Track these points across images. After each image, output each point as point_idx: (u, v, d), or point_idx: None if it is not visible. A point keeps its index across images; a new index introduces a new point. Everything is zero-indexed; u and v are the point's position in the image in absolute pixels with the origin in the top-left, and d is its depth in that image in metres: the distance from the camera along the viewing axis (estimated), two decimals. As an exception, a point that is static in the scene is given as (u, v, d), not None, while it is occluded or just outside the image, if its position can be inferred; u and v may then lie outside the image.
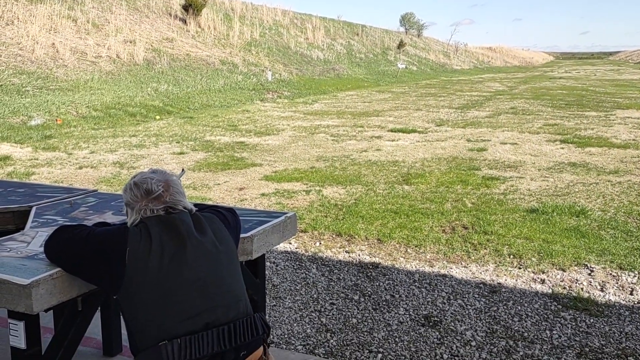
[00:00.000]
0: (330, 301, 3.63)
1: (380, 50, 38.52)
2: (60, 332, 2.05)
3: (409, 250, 4.52)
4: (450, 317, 3.40)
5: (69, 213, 2.58)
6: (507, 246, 4.53)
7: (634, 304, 3.59)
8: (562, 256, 4.30)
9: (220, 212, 2.00)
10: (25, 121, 10.86)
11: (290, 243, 4.64)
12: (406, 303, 3.59)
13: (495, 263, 4.22)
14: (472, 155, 8.57)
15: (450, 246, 4.57)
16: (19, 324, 1.84)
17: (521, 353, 2.99)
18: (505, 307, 3.53)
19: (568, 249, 4.44)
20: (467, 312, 3.46)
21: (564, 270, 4.07)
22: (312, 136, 10.56)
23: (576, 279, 3.94)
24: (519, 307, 3.52)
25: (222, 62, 20.84)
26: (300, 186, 6.57)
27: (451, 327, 3.27)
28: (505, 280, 3.94)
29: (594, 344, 3.09)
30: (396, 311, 3.47)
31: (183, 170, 2.50)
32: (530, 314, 3.44)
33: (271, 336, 3.14)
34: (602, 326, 3.28)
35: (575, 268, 4.12)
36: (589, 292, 3.74)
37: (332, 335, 3.19)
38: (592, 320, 3.35)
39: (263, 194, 6.20)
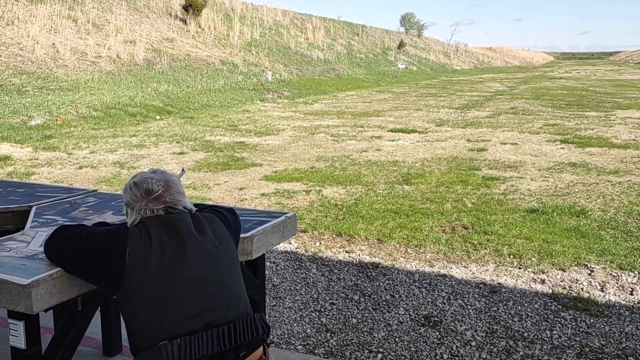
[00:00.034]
0: (330, 301, 3.63)
1: (380, 50, 38.52)
2: (60, 332, 2.05)
3: (409, 250, 4.52)
4: (451, 317, 3.39)
5: (68, 213, 2.58)
6: (507, 246, 4.53)
7: (634, 304, 3.59)
8: (562, 256, 4.30)
9: (220, 212, 2.00)
10: (25, 121, 10.86)
11: (290, 243, 4.64)
12: (406, 303, 3.59)
13: (496, 263, 4.22)
14: (472, 155, 8.57)
15: (450, 246, 4.57)
16: (19, 324, 1.84)
17: (521, 353, 2.99)
18: (505, 307, 3.53)
19: (568, 249, 4.44)
20: (467, 312, 3.46)
21: (564, 271, 4.07)
22: (312, 136, 10.56)
23: (576, 279, 3.94)
24: (519, 307, 3.52)
25: (223, 62, 20.84)
26: (300, 186, 6.57)
27: (451, 327, 3.27)
28: (506, 280, 3.94)
29: (594, 344, 3.09)
30: (396, 311, 3.47)
31: (183, 170, 2.50)
32: (530, 314, 3.44)
33: (271, 336, 3.14)
34: (602, 326, 3.28)
35: (576, 268, 4.12)
36: (589, 292, 3.74)
37: (332, 335, 3.19)
38: (592, 321, 3.35)
39: (263, 194, 6.20)
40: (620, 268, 4.11)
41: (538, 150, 8.92)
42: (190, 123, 12.18)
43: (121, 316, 1.79)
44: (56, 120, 11.22)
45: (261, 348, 1.85)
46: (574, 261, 4.22)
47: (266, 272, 3.76)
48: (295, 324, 3.32)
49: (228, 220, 1.98)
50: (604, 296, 3.69)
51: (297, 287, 3.85)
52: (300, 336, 3.18)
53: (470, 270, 4.10)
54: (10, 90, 12.32)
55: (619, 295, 3.70)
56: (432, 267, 4.18)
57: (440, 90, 23.45)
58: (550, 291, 3.76)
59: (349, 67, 29.46)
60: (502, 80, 32.88)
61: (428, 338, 3.15)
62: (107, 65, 16.22)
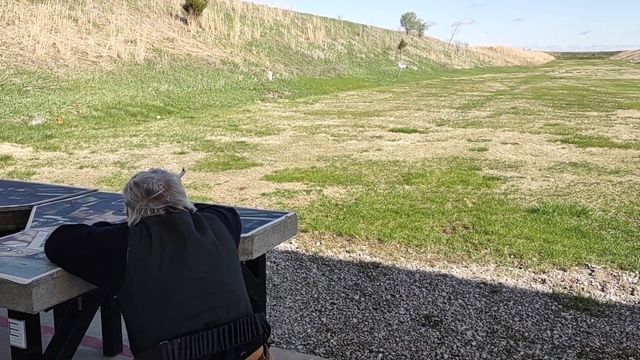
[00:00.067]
0: (331, 301, 3.63)
1: (381, 50, 38.51)
2: (60, 331, 2.05)
3: (409, 250, 4.52)
4: (451, 317, 3.39)
5: (69, 213, 2.58)
6: (507, 246, 4.53)
7: (635, 304, 3.58)
8: (562, 256, 4.30)
9: (221, 212, 2.00)
10: (26, 121, 10.86)
11: (290, 243, 4.64)
12: (407, 303, 3.59)
13: (496, 263, 4.22)
14: (473, 155, 8.57)
15: (450, 246, 4.56)
16: (19, 324, 1.84)
17: (522, 353, 2.99)
18: (505, 307, 3.53)
19: (569, 249, 4.44)
20: (467, 312, 3.46)
21: (564, 270, 4.07)
22: (312, 136, 10.56)
23: (577, 279, 3.93)
24: (520, 307, 3.52)
25: (223, 62, 20.84)
26: (300, 186, 6.57)
27: (452, 327, 3.27)
28: (506, 280, 3.94)
29: (595, 343, 3.09)
30: (397, 311, 3.47)
31: (183, 170, 2.50)
32: (531, 313, 3.44)
33: (272, 336, 3.14)
34: (602, 326, 3.28)
35: (576, 268, 4.12)
36: (589, 292, 3.74)
37: (333, 334, 3.19)
38: (592, 320, 3.34)
39: (264, 194, 6.20)
40: (621, 268, 4.10)
41: (539, 150, 8.92)
42: (191, 123, 12.18)
43: (121, 316, 1.79)
44: (57, 120, 11.23)
45: (261, 348, 1.85)
46: (574, 261, 4.22)
47: (267, 271, 3.76)
48: (295, 324, 3.32)
49: (228, 220, 1.98)
50: (604, 296, 3.69)
51: (298, 287, 3.85)
52: (301, 336, 3.18)
53: (470, 270, 4.10)
54: (11, 90, 12.33)
55: (619, 295, 3.70)
56: (432, 266, 4.18)
57: (440, 90, 23.44)
58: (550, 291, 3.76)
59: (350, 67, 29.46)
60: (503, 80, 32.87)
61: (428, 338, 3.15)
62: (108, 65, 16.22)
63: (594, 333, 3.20)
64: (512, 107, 15.94)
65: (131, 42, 18.24)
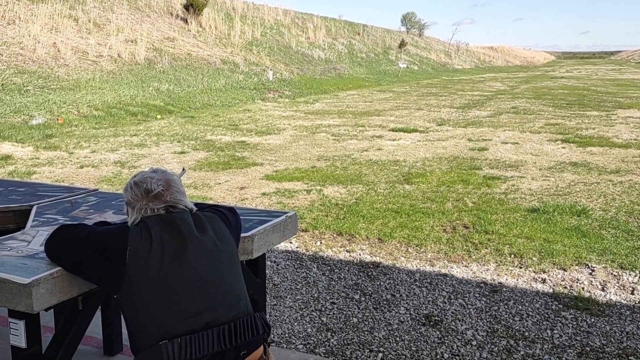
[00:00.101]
0: (331, 300, 3.63)
1: (381, 49, 38.51)
2: (60, 331, 2.04)
3: (409, 249, 4.52)
4: (451, 316, 3.39)
5: (69, 212, 2.58)
6: (508, 246, 4.53)
7: (635, 303, 3.58)
8: (563, 256, 4.30)
9: (221, 212, 2.00)
10: (26, 120, 10.87)
11: (291, 242, 4.64)
12: (407, 302, 3.59)
13: (496, 262, 4.22)
14: (473, 154, 8.56)
15: (451, 245, 4.56)
16: (20, 323, 1.84)
17: (522, 352, 2.99)
18: (506, 306, 3.53)
19: (569, 249, 4.44)
20: (467, 311, 3.46)
21: (565, 270, 4.07)
22: (313, 135, 10.56)
23: (577, 279, 3.93)
24: (520, 307, 3.52)
25: (224, 62, 20.84)
26: (301, 185, 6.57)
27: (452, 326, 3.27)
28: (506, 279, 3.94)
29: (595, 343, 3.09)
30: (397, 310, 3.47)
31: (184, 169, 2.50)
32: (531, 313, 3.44)
33: (272, 335, 3.14)
34: (603, 326, 3.28)
35: (576, 267, 4.11)
36: (590, 292, 3.73)
37: (333, 334, 3.19)
38: (593, 320, 3.34)
39: (264, 194, 6.20)
40: (621, 267, 4.10)
41: (539, 150, 8.91)
42: (191, 122, 12.18)
43: (122, 315, 1.79)
44: (57, 119, 11.23)
45: (262, 347, 1.85)
46: (574, 261, 4.22)
47: (267, 271, 3.76)
48: (295, 323, 3.32)
49: (229, 219, 1.98)
50: (604, 296, 3.69)
51: (298, 287, 3.85)
52: (301, 335, 3.19)
53: (471, 270, 4.10)
54: (12, 90, 12.33)
55: (619, 295, 3.70)
56: (432, 266, 4.18)
57: (441, 90, 23.44)
58: (551, 290, 3.76)
59: (350, 67, 29.45)
60: (503, 79, 32.86)
61: (429, 337, 3.15)
62: (108, 65, 16.22)
63: (594, 333, 3.20)
64: (513, 106, 15.94)
65: (132, 41, 18.24)
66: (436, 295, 3.71)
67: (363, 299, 3.65)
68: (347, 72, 27.55)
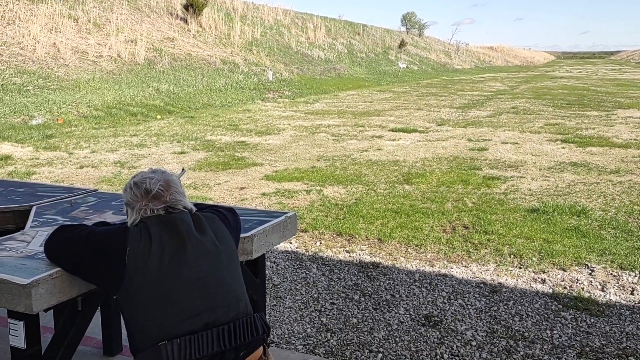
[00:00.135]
0: (331, 301, 3.63)
1: (381, 49, 38.51)
2: (60, 331, 2.04)
3: (409, 249, 4.52)
4: (451, 316, 3.39)
5: (69, 212, 2.58)
6: (507, 246, 4.53)
7: (635, 303, 3.58)
8: (562, 256, 4.30)
9: (221, 212, 2.00)
10: (26, 121, 10.86)
11: (290, 243, 4.64)
12: (406, 303, 3.59)
13: (496, 263, 4.22)
14: (473, 154, 8.57)
15: (450, 246, 4.56)
16: (19, 324, 1.84)
17: (522, 353, 2.99)
18: (505, 306, 3.53)
19: (569, 249, 4.44)
20: (467, 311, 3.46)
21: (564, 270, 4.07)
22: (312, 136, 10.55)
23: (577, 279, 3.93)
24: (520, 307, 3.52)
25: (223, 62, 20.84)
26: (300, 186, 6.57)
27: (451, 326, 3.27)
28: (506, 280, 3.94)
29: (595, 343, 3.09)
30: (396, 311, 3.47)
31: (183, 169, 2.50)
32: (530, 313, 3.44)
33: (271, 336, 3.14)
34: (602, 326, 3.28)
35: (576, 268, 4.11)
36: (589, 292, 3.73)
37: (333, 335, 3.19)
38: (592, 320, 3.34)
39: (264, 194, 6.20)
40: (621, 268, 4.10)
41: (539, 150, 8.91)
42: (191, 122, 12.18)
43: (121, 316, 1.79)
44: (57, 119, 11.23)
45: (261, 348, 1.85)
46: (574, 261, 4.22)
47: (266, 271, 3.76)
48: (295, 324, 3.32)
49: (228, 219, 1.98)
50: (604, 296, 3.69)
51: (298, 287, 3.85)
52: (301, 336, 3.19)
53: (470, 270, 4.10)
54: (11, 90, 12.33)
55: (619, 295, 3.70)
56: (432, 266, 4.18)
57: (441, 90, 23.44)
58: (550, 291, 3.76)
59: (350, 67, 29.45)
60: (503, 79, 32.86)
61: (428, 338, 3.15)
62: (108, 65, 16.22)
63: (594, 333, 3.20)
64: (513, 106, 15.94)
65: (131, 41, 18.24)
66: (436, 295, 3.71)
67: (363, 299, 3.65)
68: (347, 72, 27.56)
